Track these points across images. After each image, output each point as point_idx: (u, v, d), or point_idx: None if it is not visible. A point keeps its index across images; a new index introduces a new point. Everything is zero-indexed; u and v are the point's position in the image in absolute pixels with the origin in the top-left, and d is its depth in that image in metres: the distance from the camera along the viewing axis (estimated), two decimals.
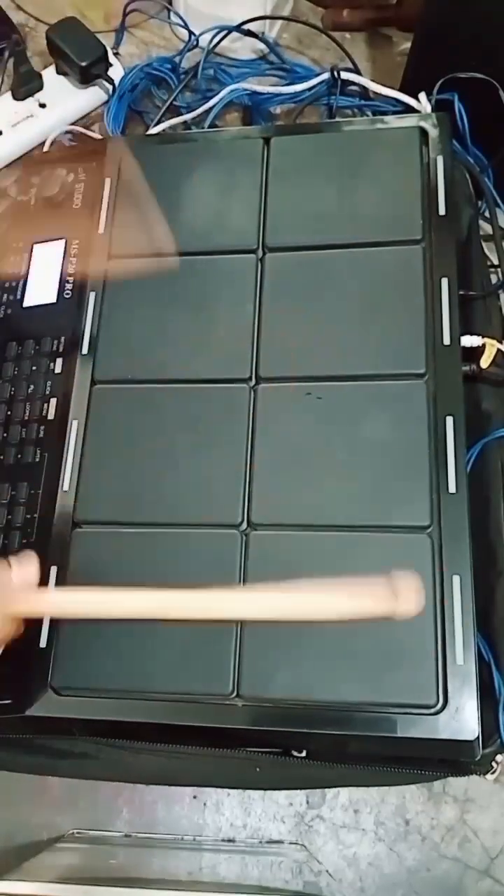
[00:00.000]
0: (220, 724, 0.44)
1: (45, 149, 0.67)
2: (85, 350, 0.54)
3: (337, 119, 0.66)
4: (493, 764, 0.45)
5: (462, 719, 0.42)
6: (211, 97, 0.67)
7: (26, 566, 0.39)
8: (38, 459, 0.51)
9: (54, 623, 0.47)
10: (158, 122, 0.68)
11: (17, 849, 0.52)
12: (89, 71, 0.68)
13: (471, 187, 0.59)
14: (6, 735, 0.48)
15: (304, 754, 0.46)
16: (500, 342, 0.52)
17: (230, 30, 0.69)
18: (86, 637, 0.47)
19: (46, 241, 0.58)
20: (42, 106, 0.70)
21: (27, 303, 0.57)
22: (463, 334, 0.50)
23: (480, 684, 0.43)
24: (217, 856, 0.51)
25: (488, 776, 0.46)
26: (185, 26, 0.71)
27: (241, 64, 0.72)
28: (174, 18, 0.73)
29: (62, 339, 0.55)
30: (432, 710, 0.42)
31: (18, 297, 0.57)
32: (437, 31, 0.60)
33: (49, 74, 0.71)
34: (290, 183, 0.56)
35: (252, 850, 0.51)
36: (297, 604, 0.38)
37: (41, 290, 0.57)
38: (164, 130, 0.67)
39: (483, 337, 0.51)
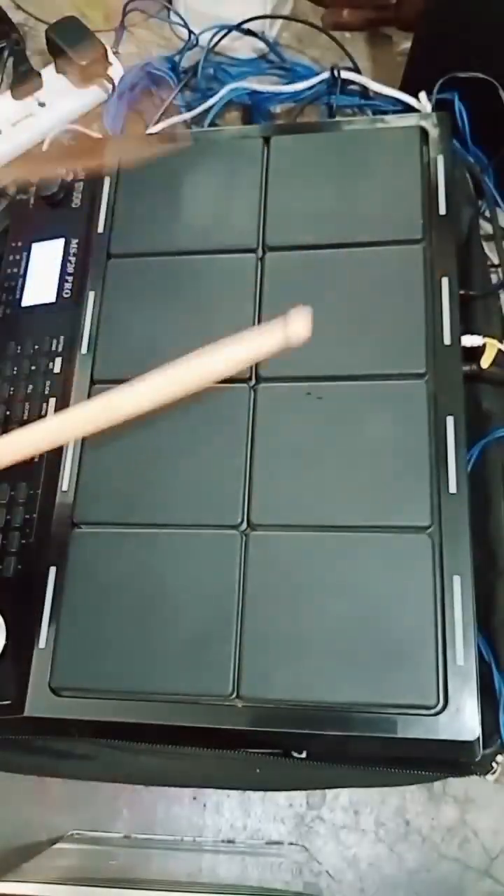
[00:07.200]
0: (219, 725, 0.44)
1: (45, 148, 0.67)
2: (84, 349, 0.54)
3: (337, 118, 0.66)
4: (494, 764, 0.45)
5: (462, 720, 0.42)
6: (210, 96, 0.67)
7: None
8: (36, 459, 0.51)
9: (53, 624, 0.47)
10: (158, 122, 0.68)
11: (16, 849, 0.52)
12: (89, 70, 0.68)
13: (471, 187, 0.59)
14: (6, 736, 0.48)
15: (304, 755, 0.46)
16: (501, 342, 0.51)
17: (230, 29, 0.69)
18: (85, 637, 0.47)
19: (45, 240, 0.58)
20: (41, 105, 0.69)
21: (26, 302, 0.57)
22: (463, 334, 0.50)
23: (481, 684, 0.43)
24: (217, 857, 0.51)
25: (488, 776, 0.45)
26: (185, 25, 0.71)
27: (240, 63, 0.71)
28: (174, 18, 0.73)
29: (61, 338, 0.54)
30: (432, 711, 0.42)
31: (17, 296, 0.57)
32: (437, 31, 0.60)
33: (48, 73, 0.70)
34: (290, 182, 0.56)
35: (252, 851, 0.51)
36: (197, 368, 0.41)
37: (40, 289, 0.57)
38: (163, 129, 0.67)
39: (484, 336, 0.51)
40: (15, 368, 0.55)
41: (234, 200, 0.56)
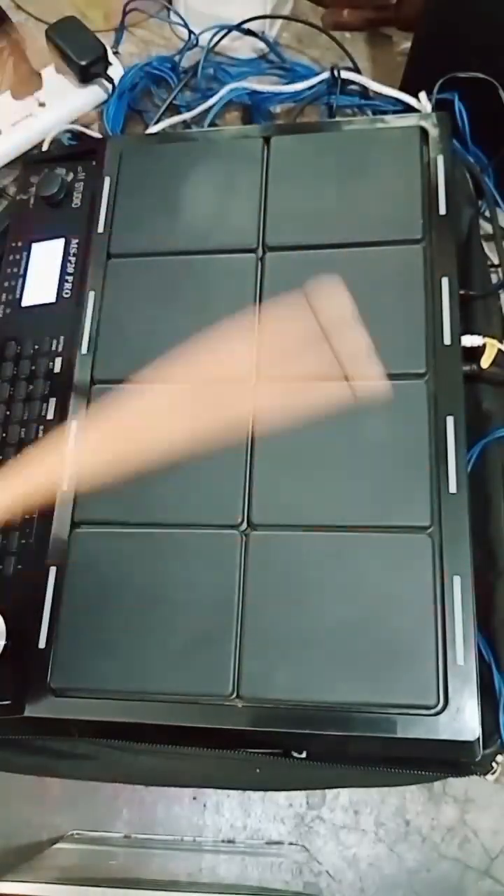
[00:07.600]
0: (219, 725, 0.44)
1: (45, 148, 0.67)
2: (84, 349, 0.54)
3: (337, 118, 0.66)
4: (494, 764, 0.45)
5: (462, 720, 0.42)
6: (210, 96, 0.67)
7: None
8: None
9: (53, 624, 0.47)
10: (158, 122, 0.68)
11: (16, 849, 0.52)
12: (89, 70, 0.68)
13: (471, 187, 0.59)
14: (6, 735, 0.48)
15: (304, 755, 0.46)
16: (501, 342, 0.51)
17: (230, 29, 0.69)
18: (85, 638, 0.47)
19: (45, 240, 0.58)
20: (41, 105, 0.69)
21: (26, 302, 0.57)
22: (463, 334, 0.50)
23: (481, 684, 0.43)
24: (217, 857, 0.51)
25: (488, 776, 0.46)
26: (185, 25, 0.71)
27: (240, 63, 0.71)
28: (174, 18, 0.73)
29: (61, 338, 0.55)
30: (433, 711, 0.42)
31: (17, 296, 0.57)
32: (437, 31, 0.60)
33: (48, 73, 0.70)
34: (290, 182, 0.56)
35: (252, 851, 0.51)
36: None
37: (40, 289, 0.57)
38: (163, 129, 0.67)
39: (484, 336, 0.51)
40: (15, 368, 0.55)
41: (234, 200, 0.56)
